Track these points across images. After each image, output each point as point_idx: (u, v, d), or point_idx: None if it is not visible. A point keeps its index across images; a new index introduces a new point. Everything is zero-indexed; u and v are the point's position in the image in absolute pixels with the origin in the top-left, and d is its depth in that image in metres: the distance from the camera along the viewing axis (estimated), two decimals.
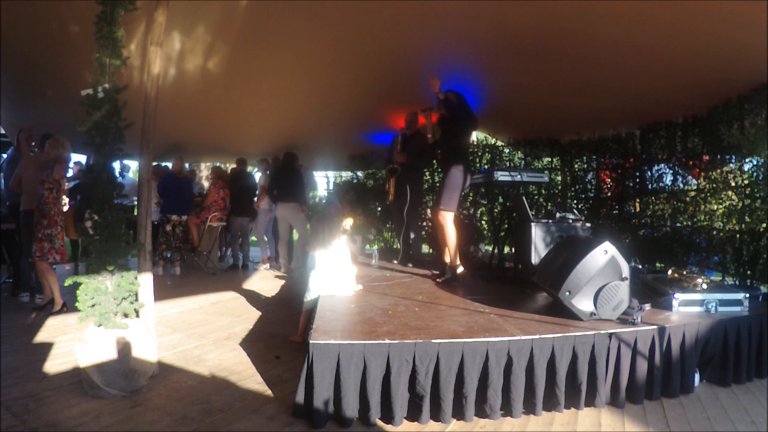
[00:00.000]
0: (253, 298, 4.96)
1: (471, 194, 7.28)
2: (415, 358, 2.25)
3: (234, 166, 7.40)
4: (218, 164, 8.03)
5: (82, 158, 7.24)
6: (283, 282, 5.92)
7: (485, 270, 4.62)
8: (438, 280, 4.01)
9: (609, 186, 6.37)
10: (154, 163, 6.74)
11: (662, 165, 5.55)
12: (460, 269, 3.97)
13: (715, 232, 4.74)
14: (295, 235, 6.82)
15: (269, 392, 2.57)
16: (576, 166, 6.79)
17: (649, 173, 5.73)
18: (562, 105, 5.24)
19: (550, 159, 7.22)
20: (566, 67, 4.29)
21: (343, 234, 3.46)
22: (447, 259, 4.10)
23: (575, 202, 6.67)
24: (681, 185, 5.32)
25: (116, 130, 2.64)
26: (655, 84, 4.29)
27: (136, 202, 5.26)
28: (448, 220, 3.95)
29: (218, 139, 7.18)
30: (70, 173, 6.63)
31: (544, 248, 3.95)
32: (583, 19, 3.47)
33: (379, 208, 7.83)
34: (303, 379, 2.22)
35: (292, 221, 6.44)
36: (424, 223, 6.95)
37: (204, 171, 10.19)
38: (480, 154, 7.49)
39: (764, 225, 4.12)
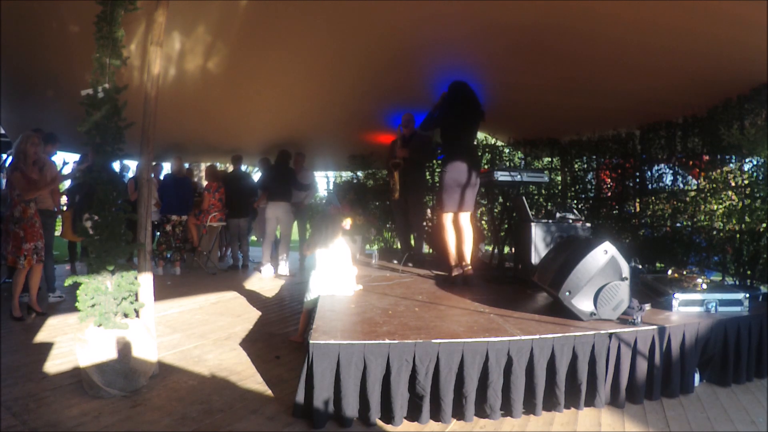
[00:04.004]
0: (253, 298, 4.96)
1: None
2: (415, 358, 2.25)
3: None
4: (211, 164, 7.96)
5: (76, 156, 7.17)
6: (283, 282, 5.92)
7: (485, 270, 4.62)
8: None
9: (609, 186, 6.37)
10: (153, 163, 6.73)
11: (662, 165, 5.55)
12: (456, 271, 3.89)
13: (715, 232, 4.74)
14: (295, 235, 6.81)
15: (269, 392, 2.57)
16: (576, 166, 6.79)
17: (649, 173, 5.73)
18: (562, 105, 5.24)
19: (550, 159, 7.22)
20: (566, 67, 4.28)
21: (342, 234, 3.46)
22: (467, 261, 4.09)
23: (575, 202, 6.67)
24: (681, 185, 5.32)
25: (116, 130, 2.64)
26: (655, 84, 4.29)
27: None
28: (442, 221, 4.00)
29: (218, 138, 7.17)
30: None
31: (544, 248, 3.95)
32: (584, 19, 3.46)
33: (380, 209, 7.83)
34: (303, 379, 2.22)
35: (282, 221, 6.37)
36: (424, 223, 6.95)
37: (204, 171, 10.18)
38: (480, 154, 7.48)
39: (764, 225, 4.12)
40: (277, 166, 6.47)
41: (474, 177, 3.95)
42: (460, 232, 4.01)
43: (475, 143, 4.22)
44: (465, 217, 3.99)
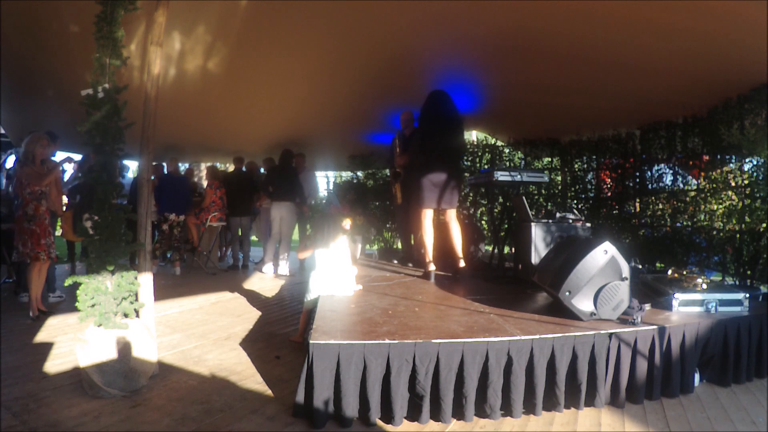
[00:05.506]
0: (253, 298, 4.96)
1: (471, 194, 7.28)
2: (415, 358, 2.25)
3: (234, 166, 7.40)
4: (212, 164, 7.99)
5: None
6: (283, 282, 5.92)
7: (485, 270, 4.62)
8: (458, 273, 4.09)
9: (609, 186, 6.37)
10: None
11: (662, 165, 5.55)
12: (431, 267, 4.04)
13: (715, 232, 4.74)
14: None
15: (269, 392, 2.57)
16: (576, 166, 6.78)
17: (649, 173, 5.72)
18: (562, 105, 5.24)
19: (550, 159, 7.22)
20: (566, 67, 4.28)
21: (343, 234, 3.46)
22: (459, 256, 4.15)
23: (575, 202, 6.67)
24: (681, 185, 5.31)
25: (116, 130, 2.64)
26: (655, 84, 4.29)
27: None
28: (420, 217, 4.11)
29: (218, 139, 7.17)
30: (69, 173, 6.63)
31: (544, 248, 3.95)
32: (583, 20, 3.46)
33: (380, 209, 7.83)
34: (303, 379, 2.22)
35: (285, 220, 6.36)
36: None
37: (204, 171, 10.18)
38: (480, 154, 7.49)
39: (764, 225, 4.12)
40: (280, 165, 6.47)
41: (452, 179, 4.04)
42: (448, 229, 4.06)
43: (457, 146, 4.26)
44: (451, 214, 4.06)
